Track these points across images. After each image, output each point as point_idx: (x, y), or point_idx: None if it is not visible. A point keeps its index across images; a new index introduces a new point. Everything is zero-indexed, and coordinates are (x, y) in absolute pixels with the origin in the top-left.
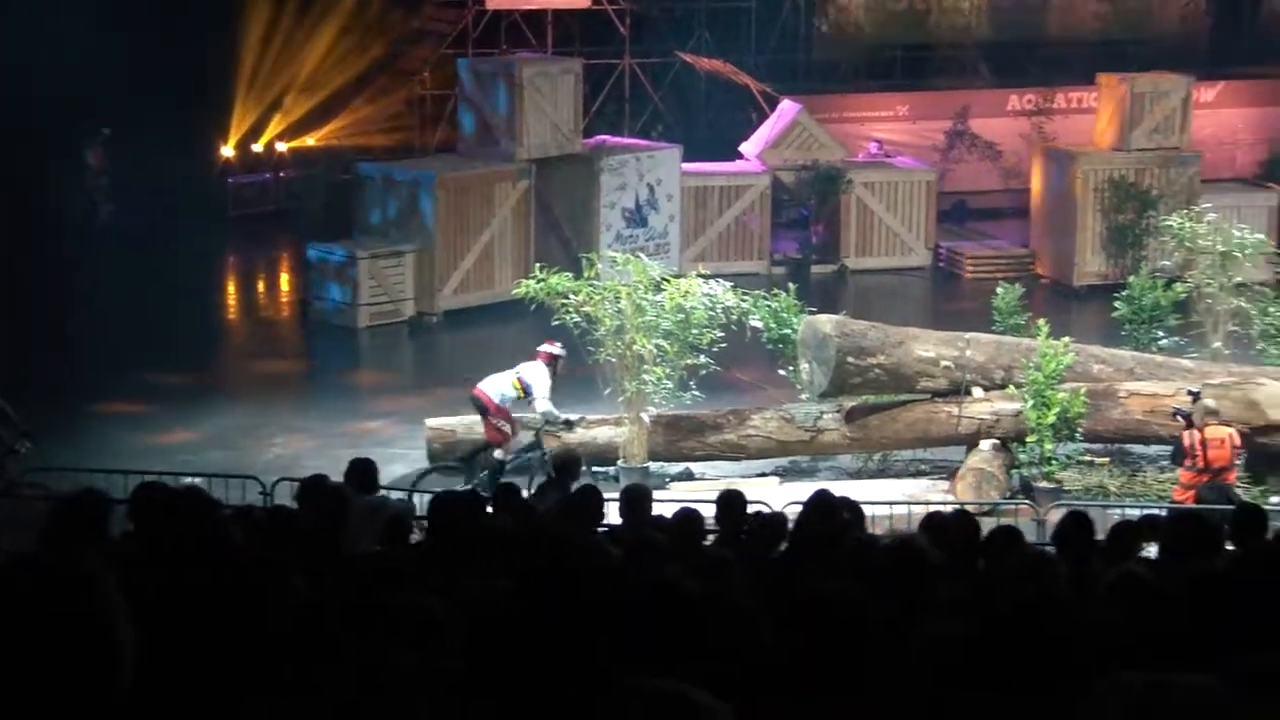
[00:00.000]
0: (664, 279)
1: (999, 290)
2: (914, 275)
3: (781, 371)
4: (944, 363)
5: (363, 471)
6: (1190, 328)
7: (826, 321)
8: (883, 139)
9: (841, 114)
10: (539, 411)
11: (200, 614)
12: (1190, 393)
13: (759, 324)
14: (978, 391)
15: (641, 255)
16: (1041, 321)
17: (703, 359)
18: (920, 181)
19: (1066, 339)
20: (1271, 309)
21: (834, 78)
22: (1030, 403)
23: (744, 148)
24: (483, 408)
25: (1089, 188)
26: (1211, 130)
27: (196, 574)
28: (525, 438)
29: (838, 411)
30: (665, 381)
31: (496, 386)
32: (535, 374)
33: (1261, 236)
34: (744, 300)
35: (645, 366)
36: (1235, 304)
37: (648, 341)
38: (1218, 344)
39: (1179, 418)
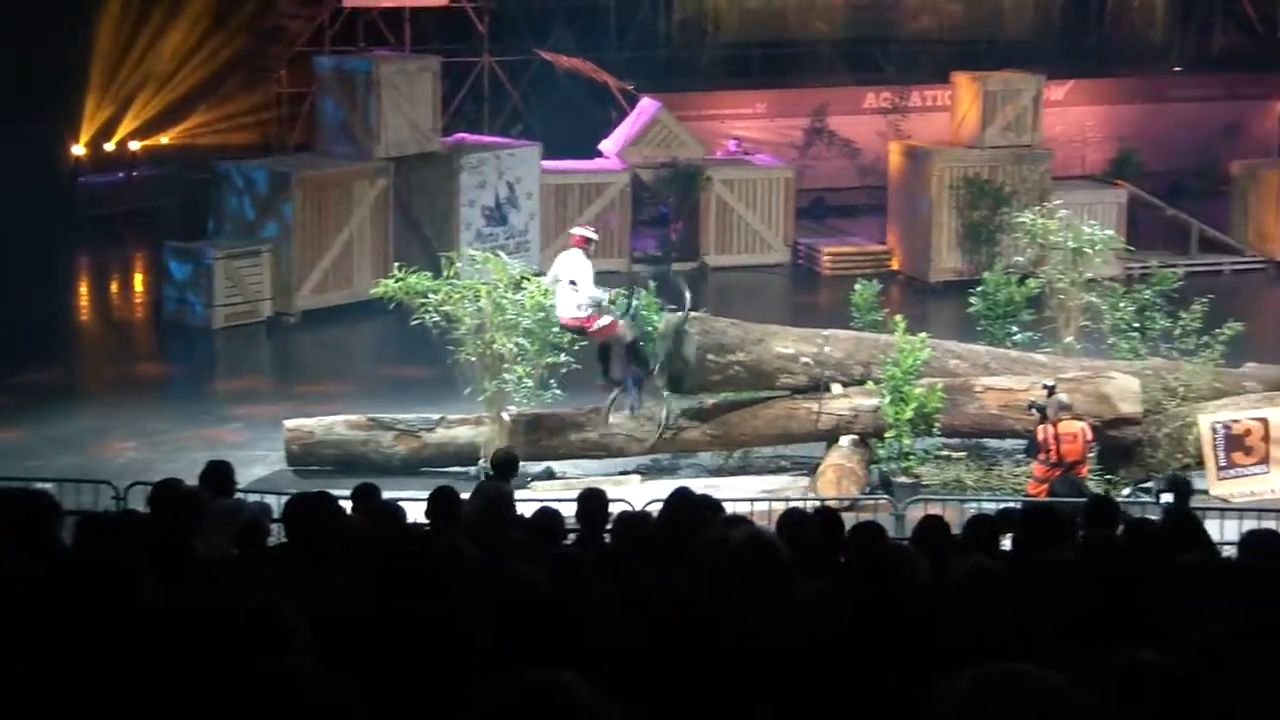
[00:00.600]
0: (524, 277)
1: (857, 287)
2: (773, 272)
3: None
4: (803, 359)
5: (219, 474)
6: (1043, 323)
7: (688, 319)
8: (741, 137)
9: (701, 112)
10: (585, 298)
11: (40, 619)
12: (1045, 387)
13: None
14: (837, 388)
15: (501, 254)
16: (899, 317)
17: (563, 357)
18: (778, 179)
19: (923, 335)
20: (1121, 304)
21: (693, 75)
22: (888, 398)
23: (604, 146)
24: (577, 330)
25: (944, 185)
26: (1062, 128)
27: (35, 579)
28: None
29: (698, 408)
30: (526, 380)
31: (567, 303)
32: (577, 266)
33: (1111, 233)
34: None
35: (505, 365)
36: (1086, 299)
37: (508, 340)
38: (1069, 339)
39: (1034, 412)
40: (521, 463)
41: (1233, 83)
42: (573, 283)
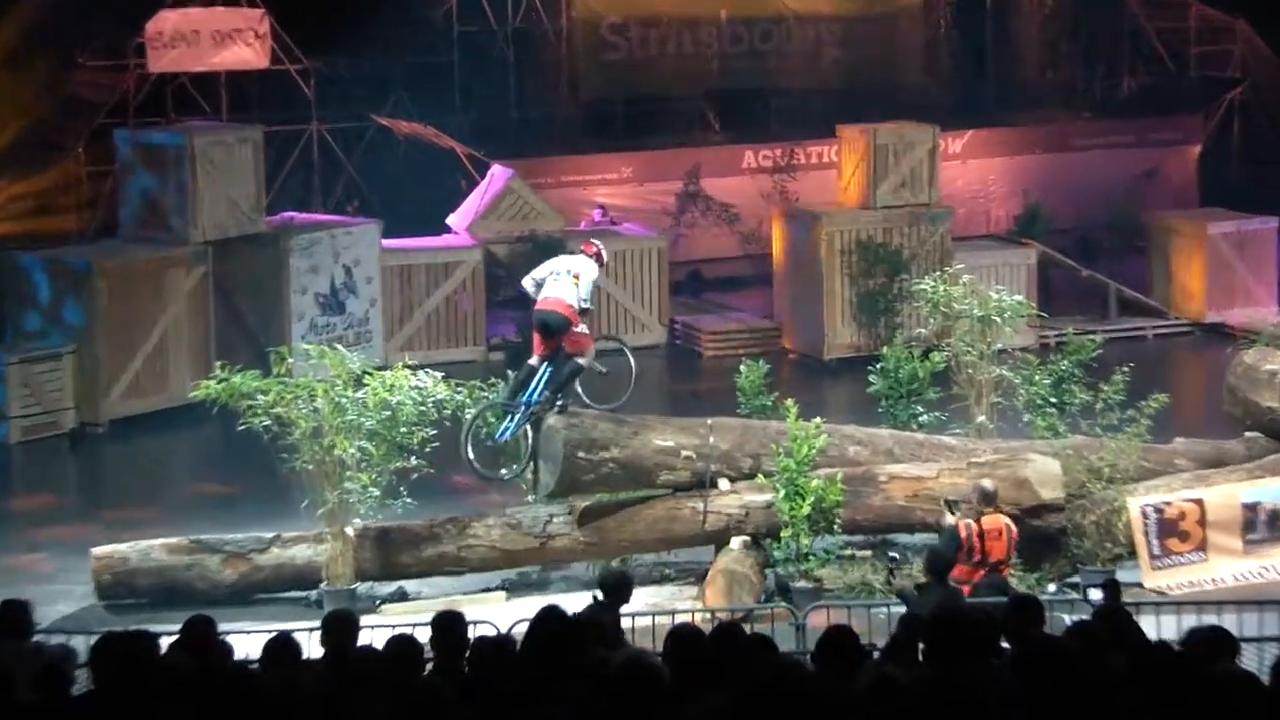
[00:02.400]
0: (366, 372)
1: (742, 368)
2: (648, 355)
3: (504, 471)
4: (685, 453)
5: (13, 615)
6: (951, 401)
7: (551, 412)
8: (607, 204)
9: (559, 178)
10: (585, 294)
11: None
12: (946, 502)
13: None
14: (724, 483)
15: (339, 346)
16: (790, 401)
17: (414, 461)
18: (650, 249)
19: (818, 420)
20: (1036, 377)
21: (548, 138)
22: (782, 493)
23: (451, 220)
24: (561, 322)
25: (835, 250)
26: (962, 183)
27: None
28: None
29: (569, 514)
30: (371, 489)
31: (568, 291)
32: (584, 267)
33: (1020, 298)
34: (458, 392)
35: (348, 473)
36: (997, 373)
37: (349, 444)
38: (981, 418)
39: (948, 507)
40: (371, 583)
41: (1146, 128)
42: (575, 275)
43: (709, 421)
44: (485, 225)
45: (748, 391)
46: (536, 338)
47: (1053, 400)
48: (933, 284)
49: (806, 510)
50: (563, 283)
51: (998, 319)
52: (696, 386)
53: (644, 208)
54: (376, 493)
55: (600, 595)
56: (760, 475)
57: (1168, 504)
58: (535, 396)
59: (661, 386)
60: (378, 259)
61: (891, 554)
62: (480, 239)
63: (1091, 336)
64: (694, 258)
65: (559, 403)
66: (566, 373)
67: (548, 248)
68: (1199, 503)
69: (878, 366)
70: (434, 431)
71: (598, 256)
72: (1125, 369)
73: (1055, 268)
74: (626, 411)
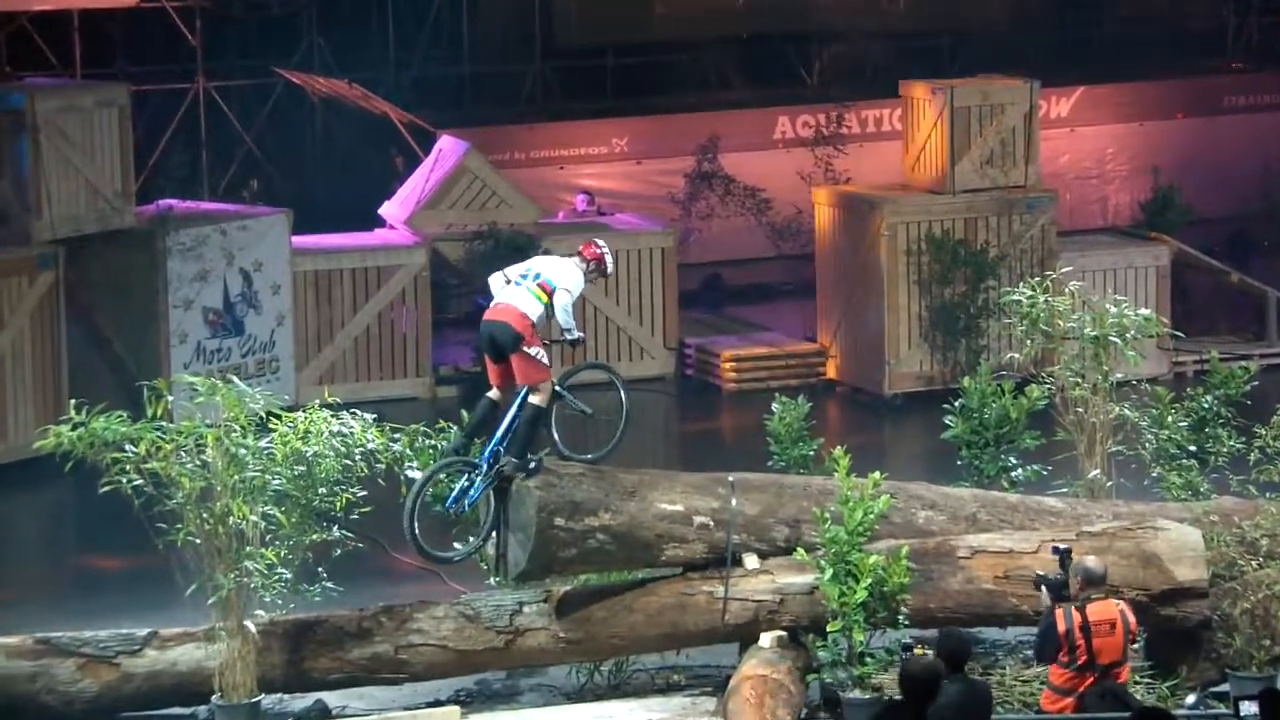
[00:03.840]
0: (272, 414)
1: (775, 406)
2: (650, 389)
3: (458, 545)
4: (699, 519)
5: None
6: (1056, 449)
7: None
8: (594, 188)
9: (529, 153)
10: (557, 307)
11: None
12: (1056, 551)
13: (418, 473)
14: (751, 560)
15: (236, 379)
16: (839, 450)
17: (337, 532)
18: (651, 249)
19: (877, 475)
20: (1169, 418)
21: (516, 100)
22: (829, 573)
23: (386, 210)
24: (510, 338)
25: (899, 249)
26: (1070, 158)
27: None
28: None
29: (544, 601)
30: (280, 570)
31: (524, 301)
32: (568, 274)
33: (1148, 312)
34: (395, 440)
35: (248, 548)
36: (1117, 412)
37: (250, 510)
38: (1096, 471)
39: (1043, 589)
40: (280, 696)
41: None
42: (547, 284)
43: (730, 478)
44: (431, 217)
45: (782, 438)
46: (486, 361)
47: (1192, 449)
48: (1030, 293)
49: (861, 596)
50: (524, 289)
51: (1117, 340)
52: (714, 430)
53: (643, 192)
54: (287, 575)
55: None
56: (799, 550)
57: None
58: (497, 446)
59: (668, 431)
60: (287, 262)
61: (907, 642)
62: (425, 235)
63: (1244, 363)
64: (710, 259)
65: (530, 464)
66: (524, 424)
67: (515, 247)
68: None
69: (956, 404)
70: (363, 492)
71: (597, 264)
72: None
73: (1195, 271)
74: (619, 463)
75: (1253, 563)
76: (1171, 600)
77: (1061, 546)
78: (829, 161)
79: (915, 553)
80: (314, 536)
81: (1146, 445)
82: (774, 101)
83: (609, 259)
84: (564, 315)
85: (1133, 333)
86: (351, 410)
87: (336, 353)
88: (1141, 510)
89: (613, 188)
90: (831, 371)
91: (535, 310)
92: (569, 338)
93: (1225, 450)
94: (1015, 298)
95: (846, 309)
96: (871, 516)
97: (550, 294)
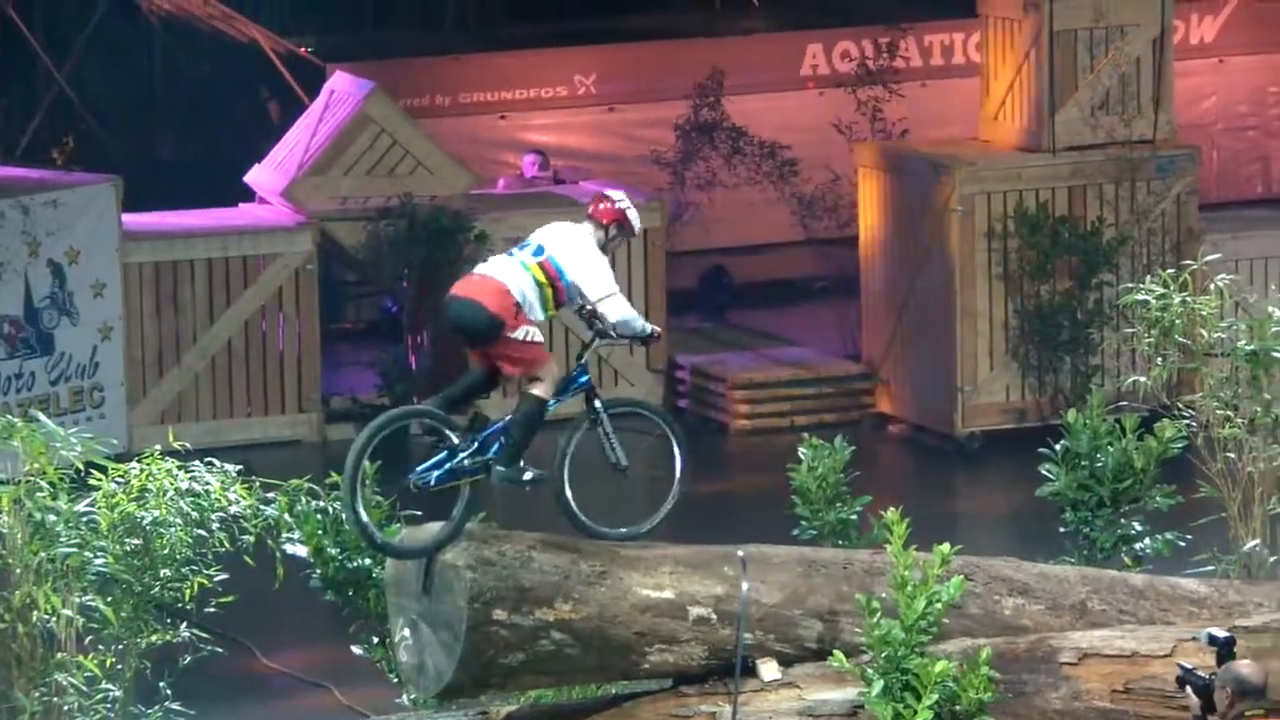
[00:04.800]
0: (96, 465)
1: (804, 452)
2: (628, 428)
3: (358, 649)
4: (696, 610)
5: None
6: (1198, 510)
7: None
8: (547, 145)
9: (458, 96)
10: (606, 314)
11: None
12: (1213, 640)
13: (301, 548)
14: (769, 670)
15: (43, 416)
16: (893, 514)
17: (186, 631)
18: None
19: (945, 548)
20: None
21: (434, 24)
22: (879, 685)
23: (256, 177)
24: (481, 320)
25: (976, 231)
26: (1218, 101)
27: None
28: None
29: None
30: (106, 686)
31: (506, 271)
32: (572, 244)
33: None
34: (268, 502)
35: (60, 655)
36: None
37: (63, 602)
38: (1255, 542)
39: (1189, 690)
40: None
41: None
42: (559, 279)
43: (740, 552)
44: (319, 187)
45: (814, 496)
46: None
47: None
48: (1162, 291)
49: (925, 715)
50: (513, 260)
51: None
52: (718, 485)
53: (619, 151)
54: (115, 692)
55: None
56: (837, 654)
57: None
58: (496, 432)
59: (653, 487)
60: (116, 251)
61: None
62: (310, 212)
63: None
64: (713, 245)
65: (525, 474)
66: (520, 420)
67: (437, 228)
68: None
69: (1057, 448)
70: (222, 575)
71: (619, 225)
72: None
73: None
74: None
75: None
76: None
77: (1221, 635)
78: (877, 107)
79: (1000, 657)
80: (153, 637)
81: None
82: (801, 24)
83: (633, 215)
84: (627, 322)
85: None
86: (207, 460)
87: (185, 379)
88: None
89: (575, 145)
90: (884, 404)
91: (523, 285)
92: (640, 335)
93: None
94: (1140, 298)
95: (904, 316)
96: (938, 606)
97: (554, 282)
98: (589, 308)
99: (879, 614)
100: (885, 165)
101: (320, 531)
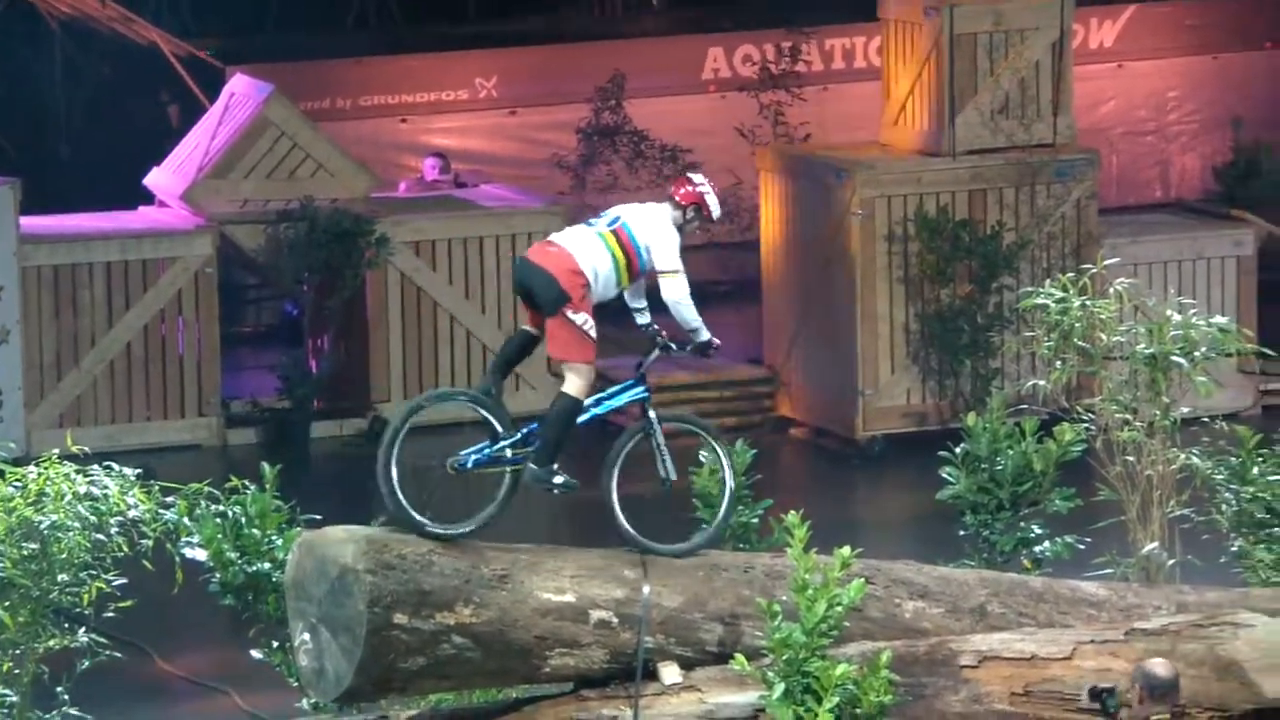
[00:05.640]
0: None
1: (704, 456)
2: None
3: (257, 653)
4: (597, 614)
5: None
6: (1097, 514)
7: (344, 540)
8: (448, 149)
9: (359, 99)
10: (669, 300)
11: None
12: (1095, 693)
13: (201, 552)
14: (670, 672)
15: None
16: (793, 518)
17: (84, 636)
18: (531, 234)
19: (846, 552)
20: (1256, 469)
21: (334, 26)
22: (779, 689)
23: (156, 180)
24: (549, 288)
25: (877, 235)
26: (1118, 105)
27: None
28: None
29: None
30: (4, 691)
31: (579, 243)
32: (648, 216)
33: (1225, 321)
34: (167, 506)
35: None
36: (1182, 460)
37: None
38: (1152, 545)
39: (1099, 701)
40: None
41: None
42: (636, 257)
43: (644, 555)
44: (219, 190)
45: (714, 500)
46: (521, 303)
47: None
48: (1061, 295)
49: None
50: (592, 231)
51: (1182, 361)
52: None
53: (520, 155)
54: (11, 697)
55: None
56: (738, 657)
57: None
58: (531, 438)
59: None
60: (13, 254)
61: None
62: (210, 215)
63: None
64: None
65: (556, 478)
66: (552, 419)
67: (339, 231)
68: None
69: (957, 451)
70: (121, 580)
71: (698, 208)
72: None
73: None
74: (484, 535)
75: None
76: None
77: (1103, 686)
78: (780, 111)
79: (900, 660)
80: (51, 642)
81: (1224, 508)
82: (703, 27)
83: (712, 199)
84: (683, 306)
85: (1204, 350)
86: (106, 464)
87: (84, 383)
88: (1216, 599)
89: (477, 148)
90: (784, 407)
91: (597, 262)
92: (696, 339)
93: None
94: (1040, 302)
95: (805, 319)
96: (839, 610)
97: (627, 250)
98: (652, 326)
99: (780, 617)
100: (787, 169)
101: (220, 536)
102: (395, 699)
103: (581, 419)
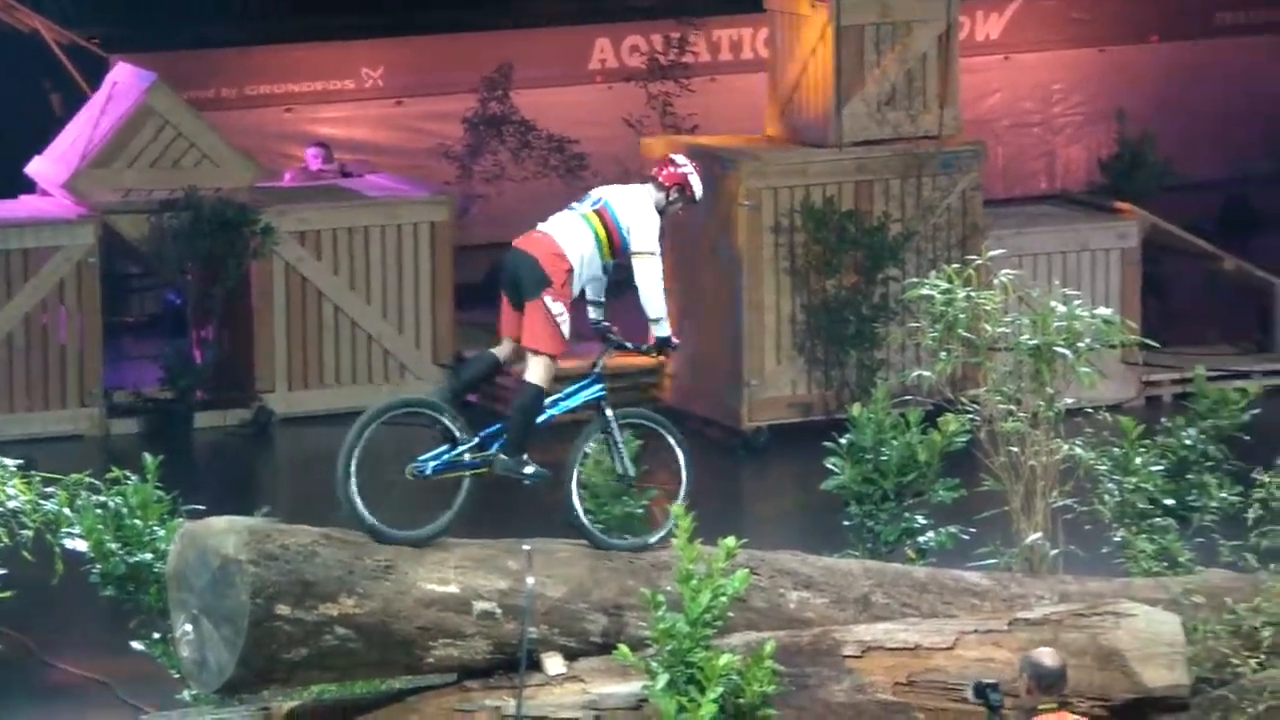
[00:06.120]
0: None
1: (588, 447)
2: (413, 423)
3: (138, 644)
4: (481, 605)
5: None
6: (980, 505)
7: (226, 531)
8: (332, 138)
9: (243, 88)
10: (640, 281)
11: None
12: (980, 691)
13: (82, 543)
14: (554, 664)
15: None
16: (678, 508)
17: None
18: (417, 224)
19: (730, 542)
20: (1139, 459)
21: (221, 12)
22: (663, 679)
23: (37, 169)
24: (532, 272)
25: (763, 226)
26: (1004, 97)
27: None
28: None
29: None
30: None
31: (562, 227)
32: (630, 196)
33: (1109, 313)
34: (47, 497)
35: None
36: (1065, 450)
37: None
38: (1035, 536)
39: (981, 699)
40: None
41: None
42: (618, 234)
43: (526, 546)
44: (102, 179)
45: (600, 489)
46: (503, 302)
47: (1169, 502)
48: (946, 286)
49: (710, 711)
50: (575, 214)
51: (1066, 352)
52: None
53: (406, 144)
54: None
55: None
56: (622, 648)
57: None
58: (489, 441)
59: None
60: None
61: None
62: (93, 204)
63: (1241, 384)
64: (501, 238)
65: (527, 468)
66: (517, 409)
67: (222, 221)
68: None
69: (843, 442)
70: (0, 571)
71: (680, 190)
72: None
73: (1176, 256)
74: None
75: (1251, 661)
76: (1140, 713)
77: (987, 682)
78: (667, 101)
79: (784, 650)
80: None
81: (1106, 498)
82: (590, 17)
83: (695, 181)
84: (651, 291)
85: (1088, 342)
86: None
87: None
88: (1099, 589)
89: (362, 138)
90: (670, 396)
91: (580, 246)
92: (656, 333)
93: (1214, 505)
94: (925, 293)
95: (690, 309)
96: (723, 600)
97: (609, 228)
98: (604, 323)
99: (664, 608)
100: (675, 160)
101: (101, 526)
102: (277, 690)
103: (539, 419)
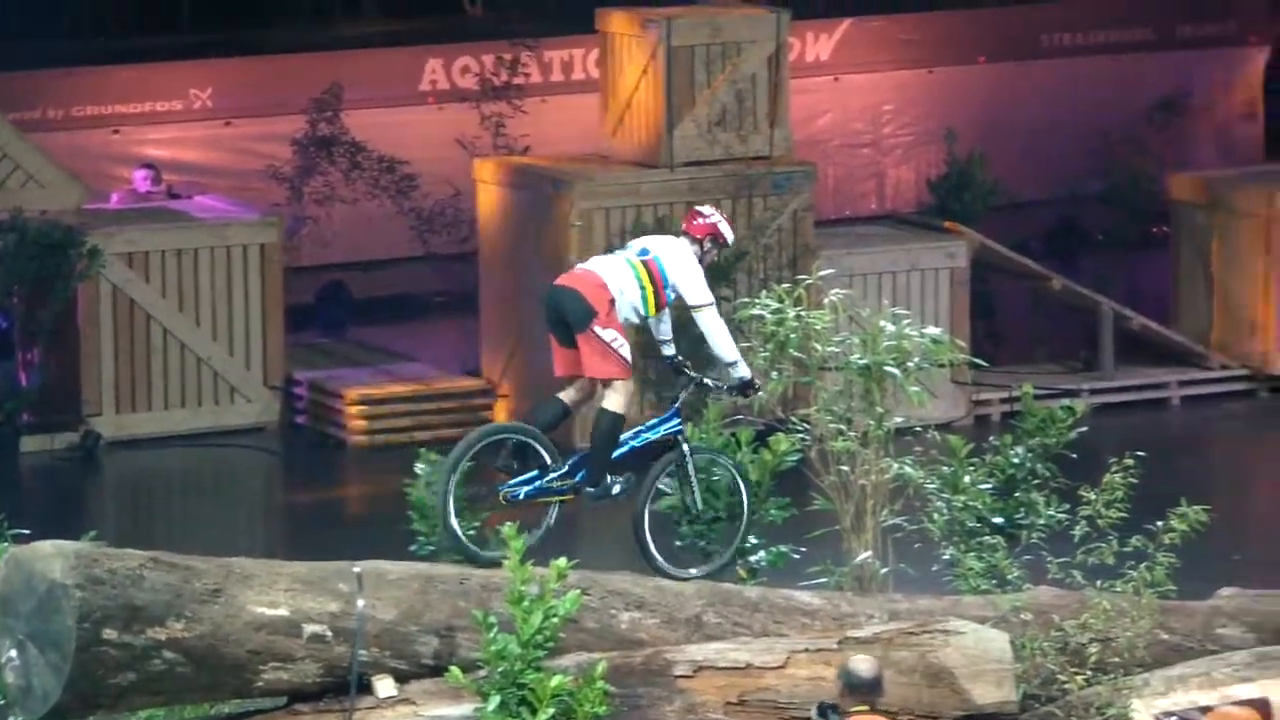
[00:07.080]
0: None
1: (421, 468)
2: (244, 444)
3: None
4: (311, 628)
5: None
6: (810, 524)
7: (52, 555)
8: (160, 159)
9: (70, 109)
10: (707, 332)
11: None
12: (822, 712)
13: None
14: (385, 686)
15: None
16: (509, 529)
17: None
18: (246, 246)
19: (562, 563)
20: (967, 478)
21: (47, 31)
22: (495, 701)
23: None
24: (580, 309)
25: (594, 245)
26: (832, 118)
27: None
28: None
29: None
30: None
31: (607, 268)
32: (676, 251)
33: (938, 333)
34: None
35: None
36: (895, 469)
37: None
38: (865, 554)
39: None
40: None
41: (1171, 18)
42: (663, 284)
43: (356, 568)
44: None
45: (431, 511)
46: (553, 345)
47: (997, 520)
48: (776, 306)
49: None
50: (619, 257)
51: (896, 371)
52: (334, 501)
53: (234, 166)
54: None
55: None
56: (453, 670)
57: (1207, 709)
58: (576, 469)
59: (269, 503)
60: None
61: None
62: None
63: (1068, 402)
64: (331, 260)
65: (614, 487)
66: (596, 440)
67: (49, 243)
68: (1261, 706)
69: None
70: None
71: (713, 239)
72: (1130, 462)
73: (1004, 276)
74: (195, 546)
75: (1078, 677)
76: None
77: (829, 703)
78: (500, 122)
79: (615, 671)
80: None
81: (936, 517)
82: (422, 38)
83: (725, 227)
84: (720, 339)
85: (917, 361)
86: None
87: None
88: (928, 607)
89: (190, 159)
90: (502, 418)
91: (624, 284)
92: (736, 374)
93: (1042, 523)
94: (756, 313)
95: (523, 331)
96: (555, 621)
97: (656, 284)
98: (679, 359)
99: (495, 629)
100: (505, 180)
101: None
102: (104, 715)
103: (617, 453)
